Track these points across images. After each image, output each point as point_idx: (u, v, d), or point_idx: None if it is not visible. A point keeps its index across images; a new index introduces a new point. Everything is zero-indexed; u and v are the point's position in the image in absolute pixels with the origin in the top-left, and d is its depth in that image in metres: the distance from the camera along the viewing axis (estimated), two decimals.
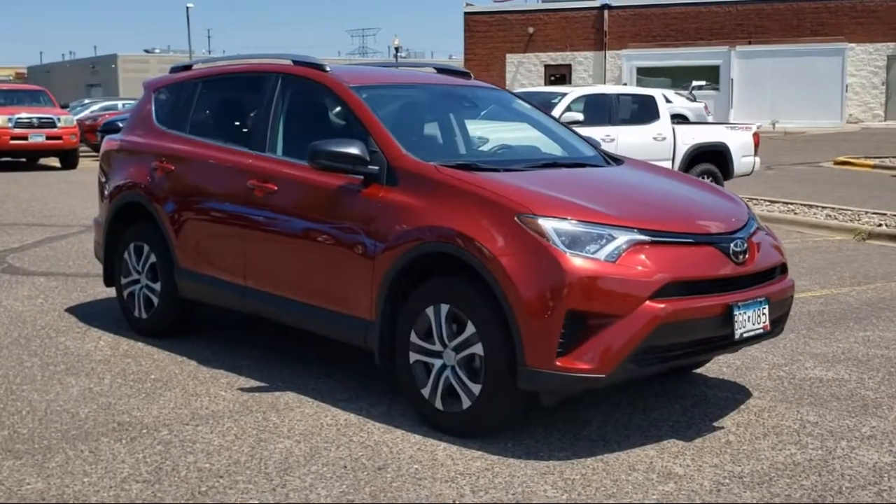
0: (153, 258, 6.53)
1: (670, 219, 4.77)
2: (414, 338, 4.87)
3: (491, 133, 6.57)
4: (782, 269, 5.14)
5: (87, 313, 7.40)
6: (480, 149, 6.02)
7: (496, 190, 4.69)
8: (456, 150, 5.94)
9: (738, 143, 15.37)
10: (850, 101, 38.73)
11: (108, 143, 7.13)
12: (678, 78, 37.27)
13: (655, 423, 5.00)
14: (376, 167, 5.11)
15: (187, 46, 67.98)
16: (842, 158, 24.46)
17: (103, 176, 7.10)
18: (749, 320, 4.69)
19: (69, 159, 23.00)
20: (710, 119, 27.37)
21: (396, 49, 60.13)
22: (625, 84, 36.29)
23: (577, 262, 4.35)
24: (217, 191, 6.02)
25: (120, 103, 32.92)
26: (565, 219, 4.48)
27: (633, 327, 4.33)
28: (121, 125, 23.10)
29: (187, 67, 6.95)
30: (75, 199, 15.85)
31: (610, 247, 4.42)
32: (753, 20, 39.73)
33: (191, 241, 6.21)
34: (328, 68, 5.80)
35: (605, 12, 41.17)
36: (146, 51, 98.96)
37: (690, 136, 15.05)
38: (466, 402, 4.64)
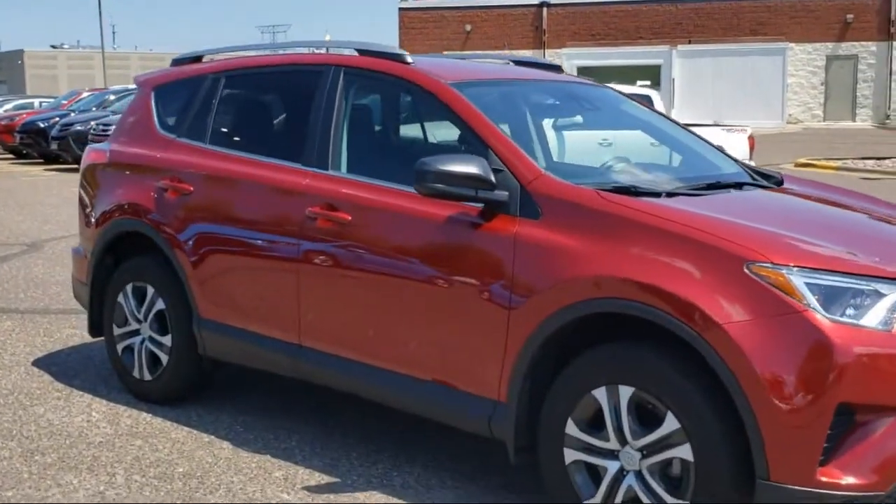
0: (160, 304, 5.07)
1: None
2: (572, 429, 3.55)
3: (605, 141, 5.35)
4: None
5: (61, 367, 5.88)
6: (610, 164, 4.71)
7: (704, 227, 3.39)
8: (592, 166, 4.62)
9: (734, 146, 14.42)
10: (789, 102, 38.47)
11: (93, 154, 5.61)
12: (620, 78, 36.47)
13: None
14: (504, 193, 3.77)
15: (98, 42, 65.11)
16: (803, 160, 23.85)
17: (86, 196, 5.58)
18: None
19: None
20: None
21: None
22: None
23: (845, 331, 3.09)
24: (258, 220, 4.59)
25: (37, 101, 30.74)
26: (818, 269, 3.20)
27: None
28: (42, 125, 21.21)
29: (196, 59, 5.48)
30: (2, 209, 14.07)
31: (881, 308, 3.16)
32: (693, 19, 39.22)
33: (218, 284, 4.77)
34: (410, 59, 4.43)
35: (545, 10, 40.20)
36: (53, 46, 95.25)
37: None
38: None
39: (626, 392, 3.40)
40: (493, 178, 3.75)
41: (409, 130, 4.94)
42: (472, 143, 3.99)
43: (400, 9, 41.36)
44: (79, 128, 20.67)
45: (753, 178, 4.52)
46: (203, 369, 5.08)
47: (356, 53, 4.60)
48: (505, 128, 4.08)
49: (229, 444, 4.63)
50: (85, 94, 28.57)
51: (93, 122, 19.90)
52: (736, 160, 4.86)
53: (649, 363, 3.37)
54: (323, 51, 5.00)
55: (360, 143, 4.51)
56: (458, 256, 3.86)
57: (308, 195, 4.37)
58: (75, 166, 21.09)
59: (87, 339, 6.39)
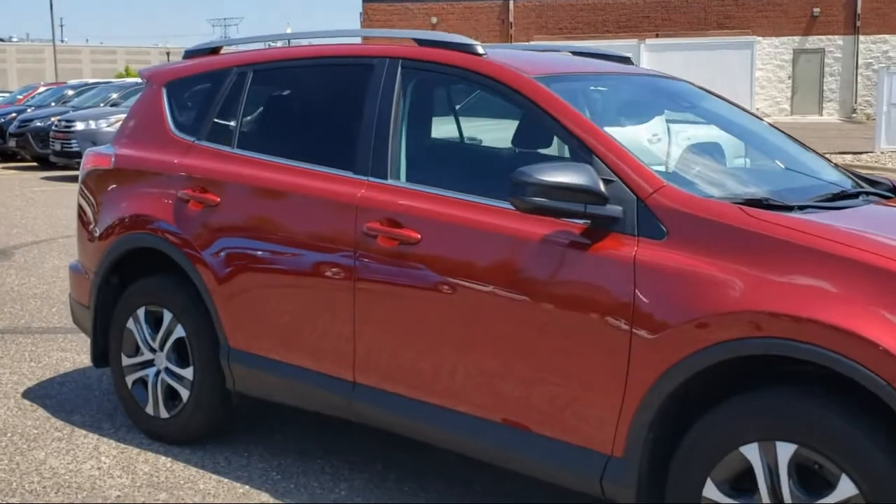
0: (180, 331, 4.41)
1: None
2: (712, 492, 2.97)
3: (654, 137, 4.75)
4: None
5: (57, 400, 5.18)
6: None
7: (879, 251, 2.81)
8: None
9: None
10: (756, 96, 38.30)
11: (95, 158, 4.92)
12: None
13: None
14: (617, 208, 3.18)
15: (45, 34, 63.54)
16: None
17: (87, 207, 4.90)
18: None
19: None
20: None
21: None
22: None
23: None
24: (303, 236, 3.95)
25: None
26: None
27: None
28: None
29: (213, 51, 4.81)
30: None
31: None
32: (660, 13, 38.89)
33: (251, 310, 4.13)
34: (482, 50, 3.82)
35: (511, 3, 39.60)
36: (2, 39, 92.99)
37: (685, 136, 13.48)
38: None
39: (786, 450, 2.83)
40: (605, 191, 3.16)
41: (482, 133, 4.32)
42: (574, 149, 3.39)
43: (364, 1, 40.53)
44: (38, 124, 19.71)
45: (862, 186, 3.97)
46: (230, 407, 4.43)
47: (416, 44, 3.97)
48: (613, 130, 3.48)
49: (269, 497, 3.99)
50: (42, 89, 27.50)
51: (54, 118, 18.98)
52: (835, 164, 4.31)
53: (820, 415, 2.79)
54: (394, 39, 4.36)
55: (423, 148, 3.91)
56: (558, 284, 3.25)
57: (365, 209, 3.74)
58: (35, 164, 20.21)
59: (81, 364, 5.74)
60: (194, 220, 4.29)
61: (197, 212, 4.28)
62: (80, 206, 4.96)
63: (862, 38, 37.39)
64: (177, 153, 4.48)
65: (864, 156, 22.53)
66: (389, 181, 3.78)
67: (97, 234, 4.74)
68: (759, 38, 37.89)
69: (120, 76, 61.72)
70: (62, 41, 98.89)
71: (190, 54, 4.88)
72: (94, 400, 5.19)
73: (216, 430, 4.51)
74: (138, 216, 4.52)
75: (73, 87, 25.67)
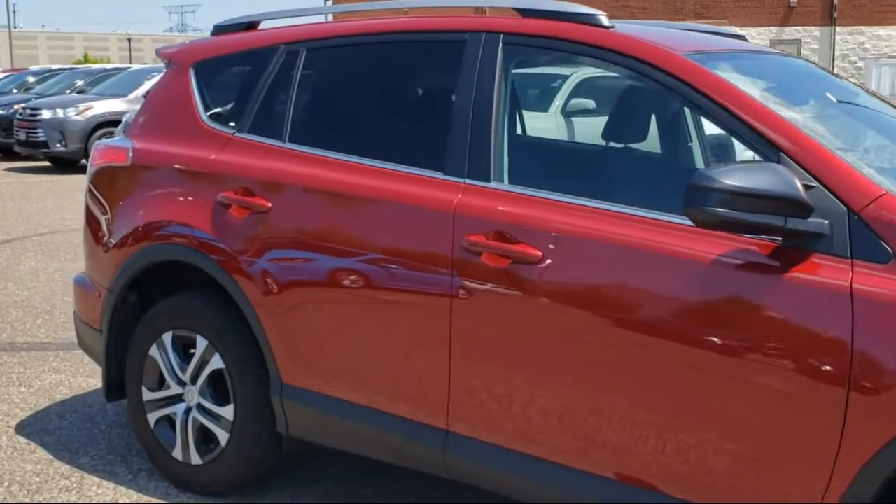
0: (217, 362, 3.66)
1: None
2: None
3: None
4: None
5: (58, 437, 4.41)
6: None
7: None
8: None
9: None
10: None
11: (107, 153, 4.14)
12: None
13: None
14: (823, 222, 2.48)
15: (3, 21, 61.97)
16: None
17: (98, 210, 4.12)
18: None
19: None
20: None
21: None
22: None
23: None
24: (381, 251, 3.21)
25: None
26: None
27: None
28: None
29: (250, 25, 4.04)
30: None
31: None
32: (638, 1, 38.34)
33: (312, 339, 3.39)
34: (607, 21, 3.10)
35: None
36: None
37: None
38: None
39: None
40: (809, 200, 2.46)
41: (626, 125, 3.60)
42: (752, 146, 2.68)
43: None
44: (0, 112, 18.69)
45: None
46: (280, 452, 3.68)
47: (520, 15, 3.24)
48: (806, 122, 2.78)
49: None
50: (0, 75, 26.35)
51: (17, 106, 17.98)
52: None
53: None
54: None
55: (533, 143, 3.17)
56: (735, 319, 2.55)
57: (465, 218, 3.02)
58: None
59: (79, 388, 4.98)
60: (238, 229, 3.53)
61: (241, 219, 3.52)
62: (88, 210, 4.18)
63: (839, 29, 37.13)
64: (212, 148, 3.72)
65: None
66: (493, 184, 3.05)
67: (111, 244, 3.97)
68: (736, 29, 37.49)
69: (79, 63, 60.13)
70: (17, 27, 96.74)
71: (220, 30, 4.11)
72: (102, 436, 4.42)
73: (259, 479, 3.77)
74: (164, 223, 3.76)
75: (34, 74, 24.59)
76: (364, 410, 3.29)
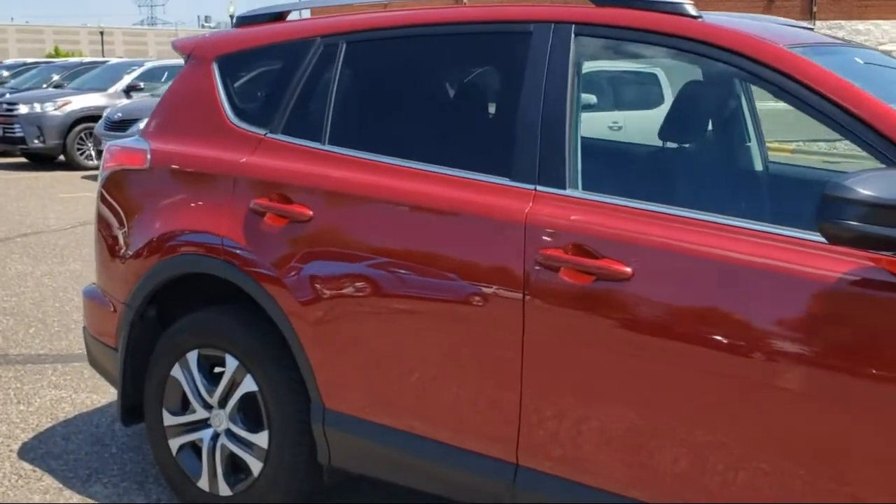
0: (249, 384, 3.34)
1: None
2: None
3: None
4: None
5: (66, 462, 4.08)
6: None
7: None
8: None
9: None
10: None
11: (121, 155, 3.80)
12: None
13: None
14: None
15: None
16: None
17: (112, 216, 3.78)
18: None
19: None
20: None
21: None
22: None
23: None
24: (440, 266, 2.90)
25: None
26: None
27: None
28: None
29: (278, 17, 3.72)
30: None
31: None
32: None
33: (360, 361, 3.08)
34: (694, 11, 2.82)
35: None
36: None
37: None
38: None
39: None
40: None
41: (726, 127, 3.32)
42: (880, 150, 2.40)
43: None
44: None
45: None
46: (320, 484, 3.37)
47: (592, 4, 2.95)
48: None
49: None
50: None
51: None
52: None
53: None
54: None
55: (608, 146, 2.88)
56: (873, 350, 2.27)
57: (538, 230, 2.72)
58: None
59: (82, 405, 4.66)
60: (274, 239, 3.22)
61: (278, 228, 3.21)
62: (100, 217, 3.84)
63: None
64: (241, 150, 3.40)
65: (838, 143, 22.03)
66: (568, 191, 2.75)
67: (129, 254, 3.64)
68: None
69: (50, 56, 59.21)
70: None
71: (245, 21, 3.78)
72: (113, 461, 4.09)
73: None
74: (189, 232, 3.43)
75: (8, 68, 24.06)
76: (418, 441, 2.99)
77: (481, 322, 2.81)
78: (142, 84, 16.73)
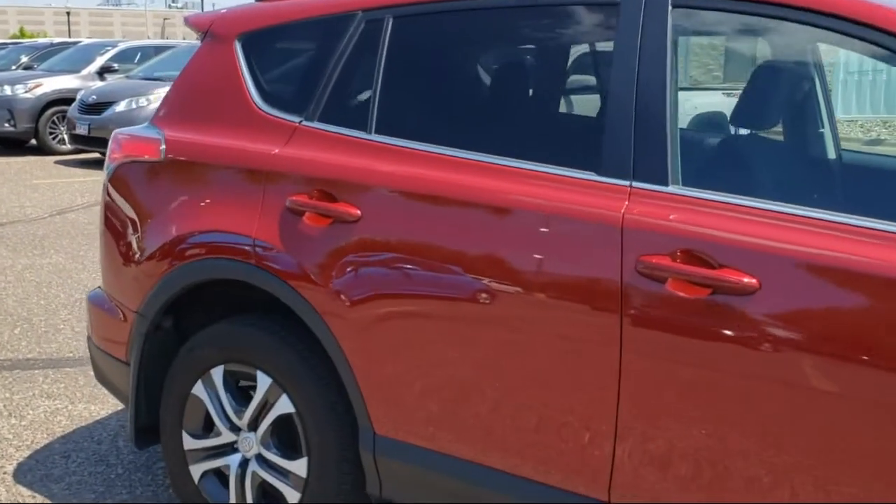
0: (285, 404, 2.94)
1: None
2: None
3: None
4: None
5: (68, 486, 3.67)
6: None
7: None
8: None
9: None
10: (690, 63, 37.63)
11: (132, 144, 3.37)
12: None
13: None
14: None
15: None
16: None
17: (121, 215, 3.36)
18: None
19: None
20: None
21: None
22: None
23: None
24: (517, 274, 2.51)
25: None
26: None
27: None
28: None
29: None
30: None
31: None
32: None
33: (419, 382, 2.69)
34: None
35: None
36: None
37: (692, 106, 12.32)
38: None
39: None
40: None
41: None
42: None
43: None
44: None
45: None
46: None
47: None
48: None
49: None
50: None
51: None
52: None
53: None
54: None
55: (730, 139, 2.51)
56: None
57: (637, 234, 2.34)
58: None
59: (80, 418, 4.26)
60: (315, 242, 2.82)
61: (320, 229, 2.81)
62: (106, 215, 3.41)
63: None
64: (273, 140, 2.99)
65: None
66: (671, 188, 2.38)
67: (142, 258, 3.22)
68: None
69: (15, 37, 57.97)
70: None
71: None
72: (121, 483, 3.69)
73: None
74: (214, 233, 3.03)
75: None
76: (489, 473, 2.62)
77: (568, 340, 2.44)
78: (116, 65, 16.17)
